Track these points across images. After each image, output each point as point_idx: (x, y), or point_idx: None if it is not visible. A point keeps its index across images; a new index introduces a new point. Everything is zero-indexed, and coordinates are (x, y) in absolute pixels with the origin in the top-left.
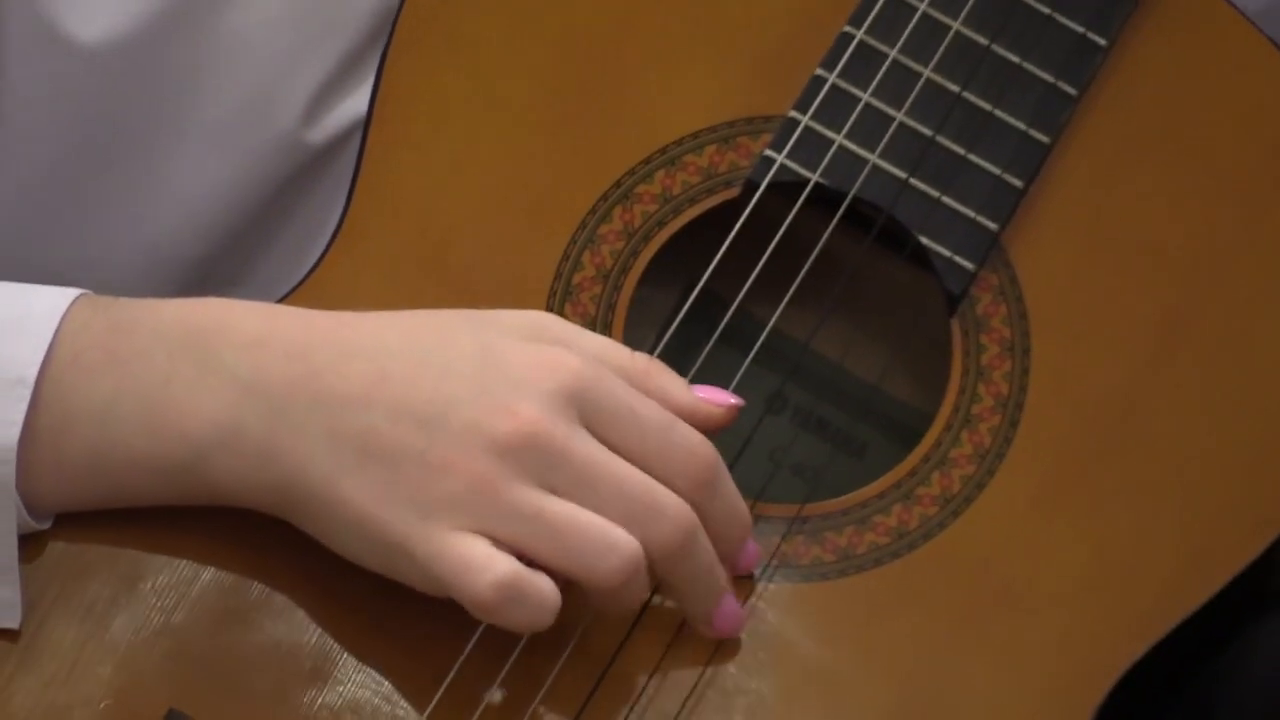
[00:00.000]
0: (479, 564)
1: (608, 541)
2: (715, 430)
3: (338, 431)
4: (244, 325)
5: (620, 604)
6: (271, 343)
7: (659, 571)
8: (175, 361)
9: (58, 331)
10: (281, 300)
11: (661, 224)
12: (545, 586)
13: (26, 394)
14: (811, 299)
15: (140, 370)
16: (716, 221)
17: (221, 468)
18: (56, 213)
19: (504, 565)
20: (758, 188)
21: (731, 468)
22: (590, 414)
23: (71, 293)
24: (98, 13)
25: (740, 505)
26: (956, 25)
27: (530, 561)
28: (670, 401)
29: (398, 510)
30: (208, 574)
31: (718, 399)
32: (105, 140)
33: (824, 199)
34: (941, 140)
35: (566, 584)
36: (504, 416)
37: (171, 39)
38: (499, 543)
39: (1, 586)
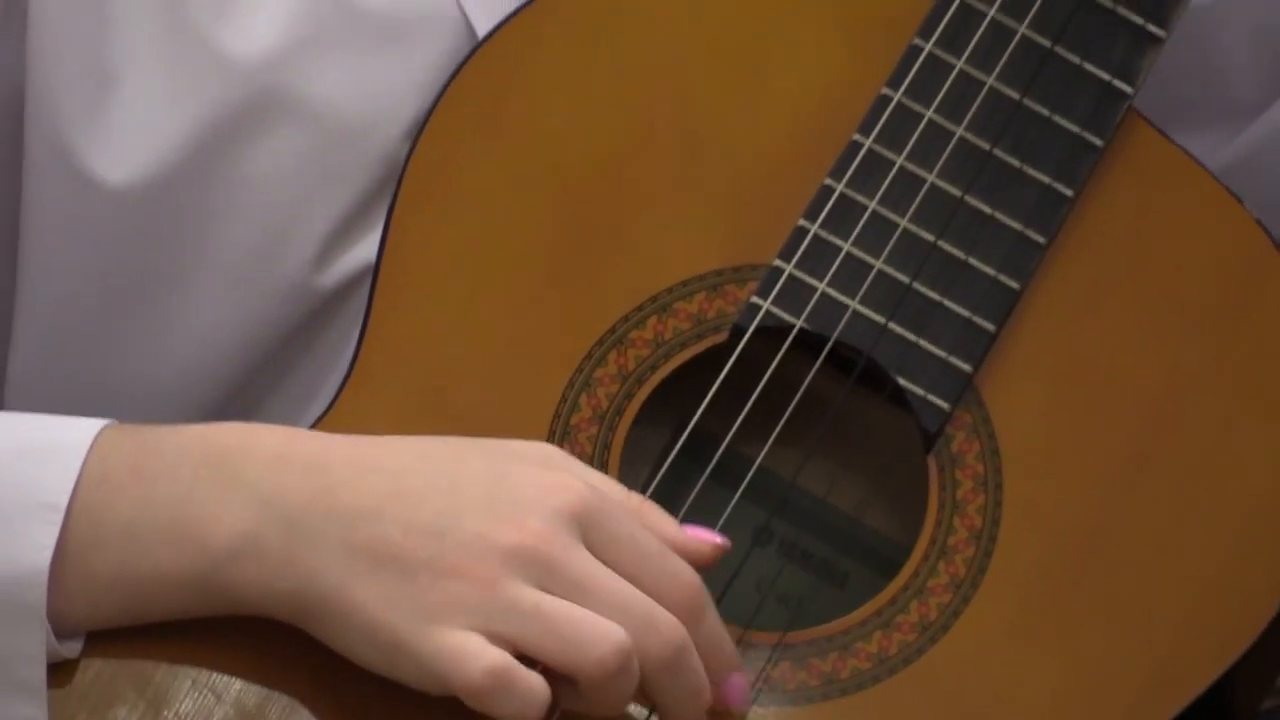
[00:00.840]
0: (472, 653)
1: (599, 630)
2: (702, 567)
3: (352, 541)
4: (265, 444)
5: (610, 698)
6: (291, 460)
7: (650, 687)
8: (199, 477)
9: (87, 456)
10: None
11: (654, 368)
12: (534, 680)
13: (58, 519)
14: (796, 437)
15: (165, 486)
16: (706, 364)
17: (242, 577)
18: (76, 347)
19: (495, 654)
20: (744, 333)
21: (721, 597)
22: (591, 535)
23: (100, 422)
24: (124, 156)
25: (724, 635)
26: (931, 178)
27: (529, 662)
28: (662, 537)
29: (404, 613)
30: (230, 696)
31: (705, 538)
32: (126, 278)
33: (808, 343)
34: (918, 287)
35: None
36: (510, 529)
37: (191, 183)
38: (497, 638)
39: (29, 708)
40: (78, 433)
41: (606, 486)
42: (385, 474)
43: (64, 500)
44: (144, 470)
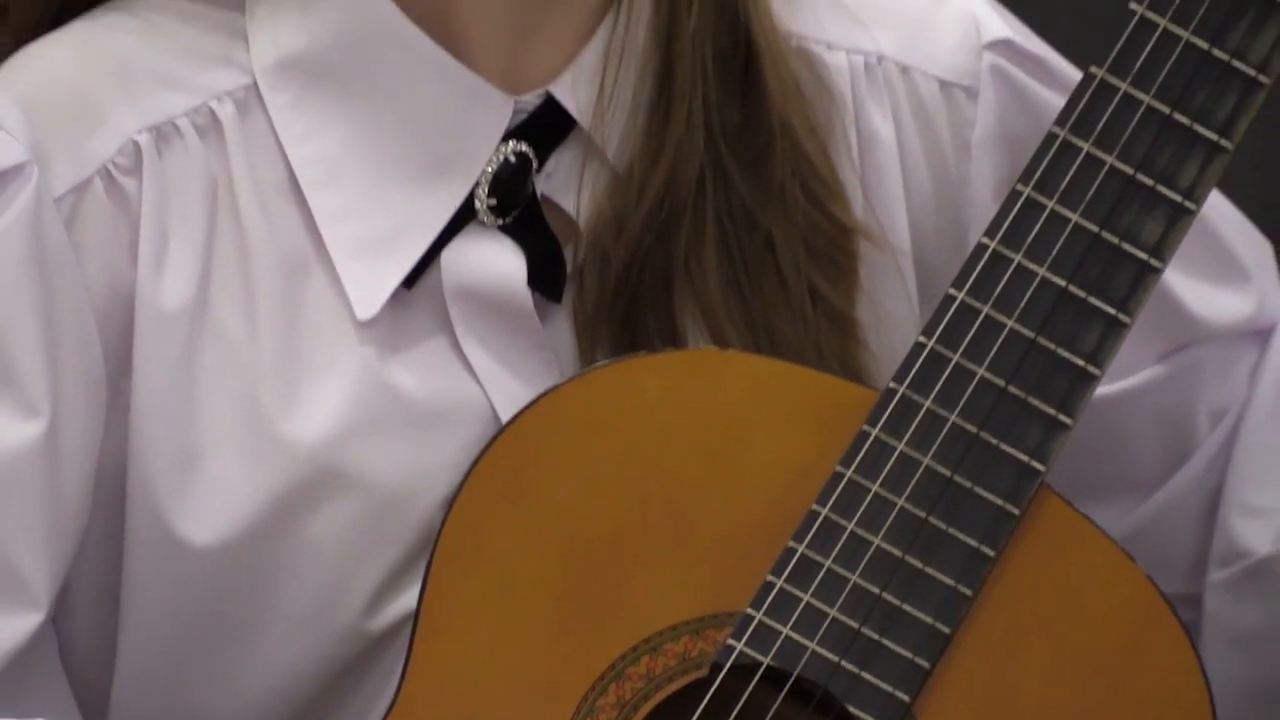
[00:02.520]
0: None
1: None
2: None
3: None
4: None
5: None
6: None
7: None
8: None
9: None
10: None
11: (647, 698)
12: None
13: None
14: None
15: None
16: (690, 695)
17: None
18: (167, 682)
19: None
20: (721, 669)
21: None
22: None
23: None
24: (208, 522)
25: None
26: (877, 541)
27: None
28: None
29: None
30: None
31: None
32: (208, 624)
33: (774, 676)
34: (866, 630)
35: None
36: None
37: (263, 544)
38: None
39: None
40: None
41: None
42: None
43: None
44: None
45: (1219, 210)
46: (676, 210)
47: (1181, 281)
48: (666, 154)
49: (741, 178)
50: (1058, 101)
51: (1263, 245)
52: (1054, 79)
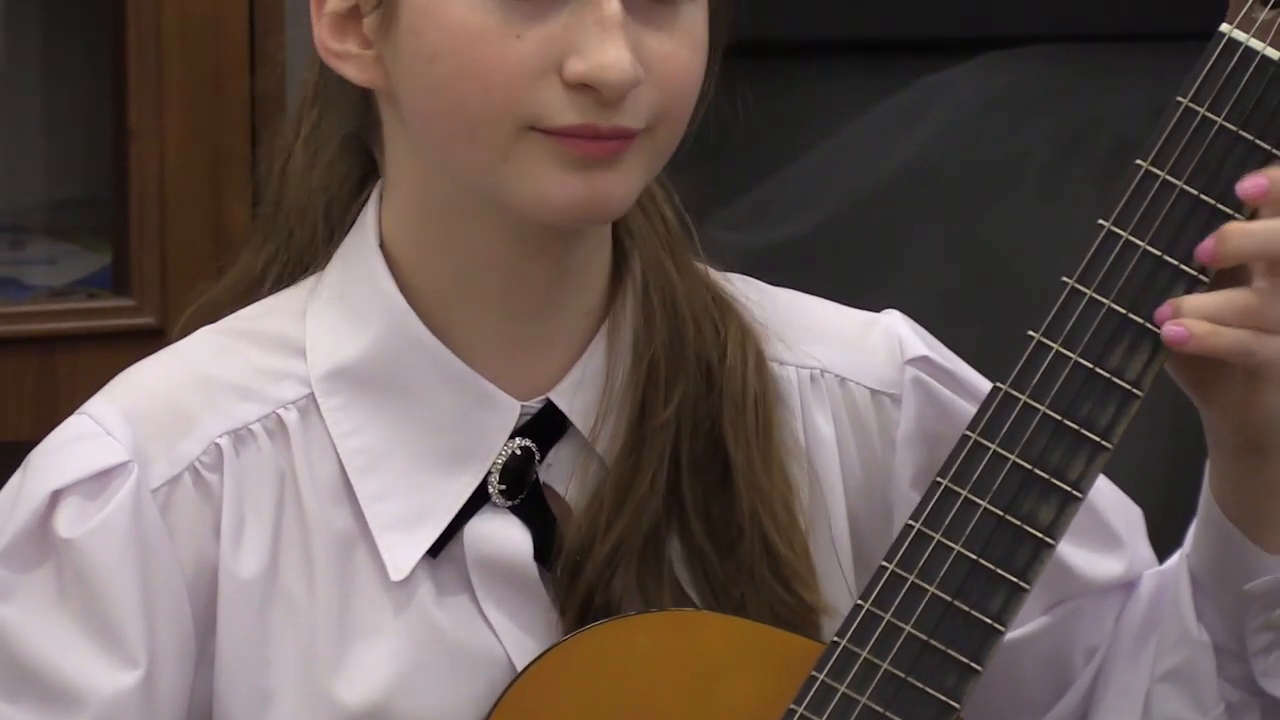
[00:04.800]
0: None
1: None
2: None
3: None
4: None
5: None
6: None
7: None
8: None
9: None
10: None
11: None
12: None
13: None
14: None
15: None
16: None
17: None
18: None
19: None
20: None
21: None
22: None
23: None
24: (360, 683)
25: None
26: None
27: None
28: None
29: None
30: None
31: None
32: None
33: None
34: None
35: None
36: None
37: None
38: None
39: None
40: None
41: None
42: None
43: None
44: None
45: (1096, 487)
46: (651, 535)
47: (1066, 549)
48: (634, 497)
49: (715, 555)
50: (969, 407)
51: (1134, 512)
52: (965, 389)
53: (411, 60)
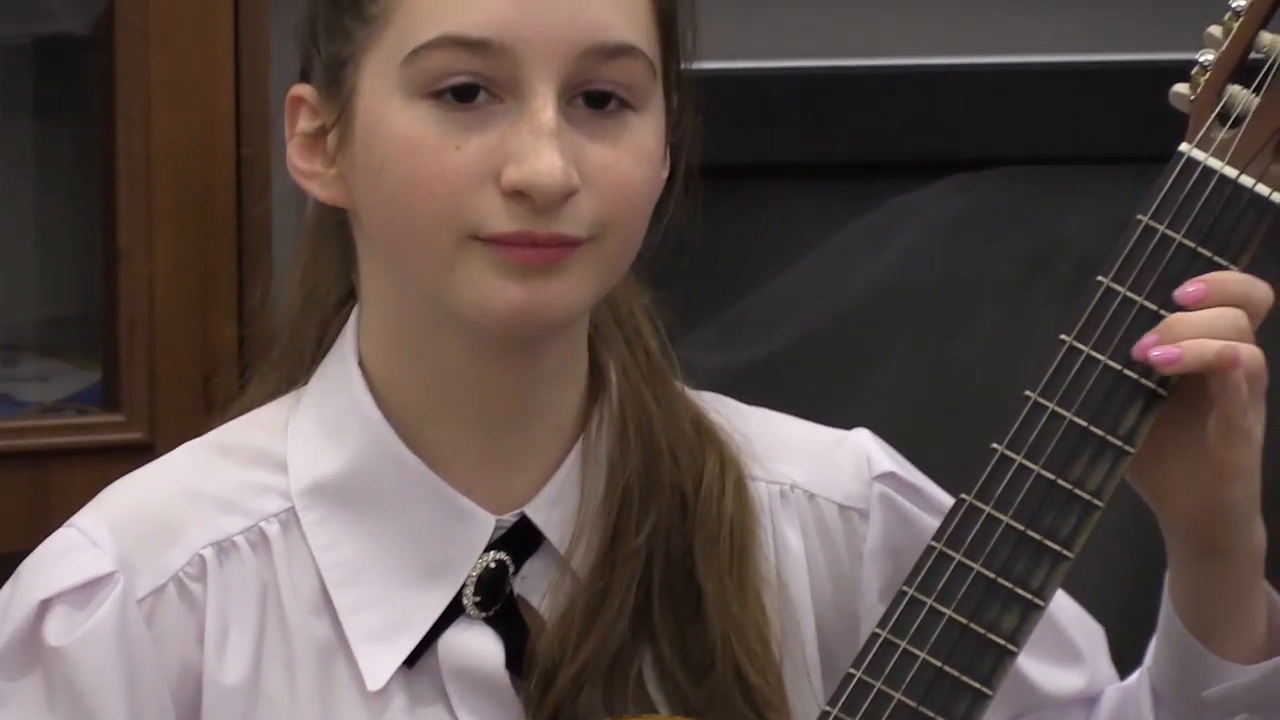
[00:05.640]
0: None
1: None
2: None
3: None
4: None
5: None
6: None
7: None
8: None
9: None
10: None
11: None
12: None
13: None
14: None
15: None
16: None
17: None
18: None
19: None
20: None
21: None
22: None
23: None
24: None
25: None
26: None
27: None
28: None
29: None
30: None
31: None
32: None
33: None
34: None
35: None
36: None
37: None
38: None
39: None
40: None
41: None
42: None
43: None
44: None
45: (1059, 603)
46: (617, 658)
47: (1028, 662)
48: (603, 620)
49: (688, 682)
50: (934, 522)
51: (1095, 629)
52: (929, 503)
53: (364, 173)
